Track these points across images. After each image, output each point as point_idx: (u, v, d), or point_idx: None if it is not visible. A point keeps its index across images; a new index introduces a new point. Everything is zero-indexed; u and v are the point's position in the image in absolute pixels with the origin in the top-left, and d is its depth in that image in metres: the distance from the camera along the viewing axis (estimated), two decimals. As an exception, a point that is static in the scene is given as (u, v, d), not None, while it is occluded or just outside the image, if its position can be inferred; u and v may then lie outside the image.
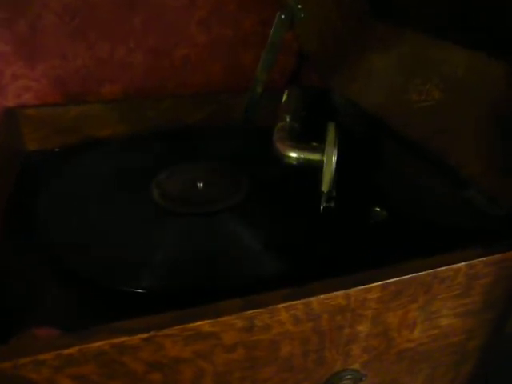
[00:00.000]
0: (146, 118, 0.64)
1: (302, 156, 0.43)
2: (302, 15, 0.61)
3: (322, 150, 0.43)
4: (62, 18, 0.59)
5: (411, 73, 0.50)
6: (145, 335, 0.26)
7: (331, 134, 0.42)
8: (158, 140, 0.61)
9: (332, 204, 0.43)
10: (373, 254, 0.40)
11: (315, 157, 0.43)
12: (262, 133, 0.57)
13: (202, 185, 0.47)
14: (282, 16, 0.60)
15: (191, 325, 0.26)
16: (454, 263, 0.32)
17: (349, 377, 0.35)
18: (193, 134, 0.61)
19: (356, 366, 0.35)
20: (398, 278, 0.31)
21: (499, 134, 0.40)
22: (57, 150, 0.60)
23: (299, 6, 0.60)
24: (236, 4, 0.65)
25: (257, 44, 0.69)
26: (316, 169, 0.44)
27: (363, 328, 0.32)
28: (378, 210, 0.46)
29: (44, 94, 0.62)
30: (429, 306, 0.34)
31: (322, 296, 0.29)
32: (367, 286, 0.30)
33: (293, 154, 0.43)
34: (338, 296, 0.29)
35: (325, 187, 0.42)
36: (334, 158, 0.41)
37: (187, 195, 0.46)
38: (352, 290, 0.30)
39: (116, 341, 0.25)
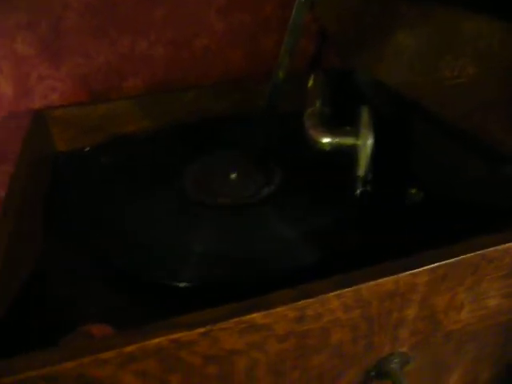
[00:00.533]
0: (170, 111, 0.64)
1: (335, 141, 0.42)
2: (323, -4, 0.60)
3: (355, 134, 0.42)
4: (84, 17, 0.59)
5: (441, 49, 0.49)
6: (202, 330, 0.26)
7: (365, 117, 0.41)
8: (184, 132, 0.61)
9: (368, 188, 0.42)
10: (412, 235, 0.40)
11: (349, 141, 0.43)
12: (287, 118, 0.56)
13: (235, 175, 0.47)
14: (303, -2, 0.59)
15: (245, 317, 0.27)
16: (502, 243, 0.32)
17: (396, 360, 0.35)
18: (218, 124, 0.61)
19: (404, 349, 0.35)
20: (446, 261, 0.30)
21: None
22: (86, 149, 0.60)
23: (319, -13, 0.59)
24: (255, -11, 0.64)
25: (277, 28, 0.68)
26: (350, 153, 0.43)
27: (411, 312, 0.32)
28: (414, 191, 0.45)
29: (69, 93, 0.63)
30: (476, 287, 0.33)
31: (371, 283, 0.29)
32: (416, 270, 0.30)
33: (326, 140, 0.43)
34: (387, 282, 0.29)
35: (361, 171, 0.42)
36: (370, 142, 0.40)
37: (221, 187, 0.46)
38: (401, 275, 0.29)
39: (174, 336, 0.26)
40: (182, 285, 0.35)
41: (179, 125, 0.63)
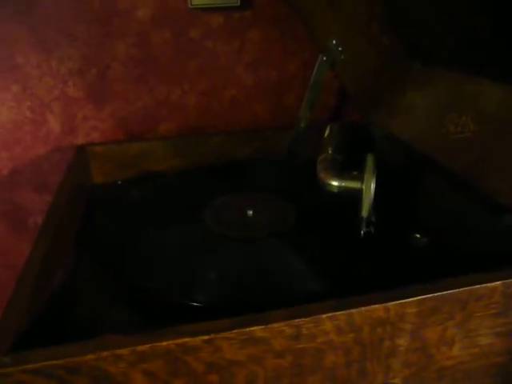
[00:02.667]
0: (198, 154, 0.70)
1: (342, 184, 0.47)
2: (342, 57, 0.66)
3: (361, 179, 0.46)
4: (127, 67, 0.66)
5: (447, 107, 0.53)
6: (205, 337, 0.29)
7: (370, 163, 0.45)
8: (210, 173, 0.66)
9: (372, 229, 0.46)
10: (412, 277, 0.42)
11: (355, 185, 0.47)
12: (305, 165, 0.61)
13: (251, 212, 0.51)
14: (324, 58, 0.65)
15: (246, 329, 0.30)
16: (489, 282, 0.34)
17: (390, 392, 0.37)
18: (242, 168, 0.66)
19: (397, 380, 0.37)
20: (433, 294, 0.33)
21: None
22: (119, 182, 0.66)
23: (340, 49, 0.65)
24: (281, 49, 0.71)
25: (299, 84, 0.74)
26: (357, 197, 0.47)
27: (403, 342, 0.35)
28: (419, 236, 0.48)
29: (109, 132, 0.69)
30: (466, 323, 0.36)
31: (363, 308, 0.32)
32: (405, 300, 0.32)
33: (334, 183, 0.47)
34: (377, 309, 0.32)
35: (364, 212, 0.45)
36: (373, 186, 0.44)
37: (238, 222, 0.50)
38: (390, 304, 0.32)
39: (180, 341, 0.29)
40: (198, 304, 0.39)
41: (205, 166, 0.68)
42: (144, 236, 0.50)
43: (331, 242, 0.46)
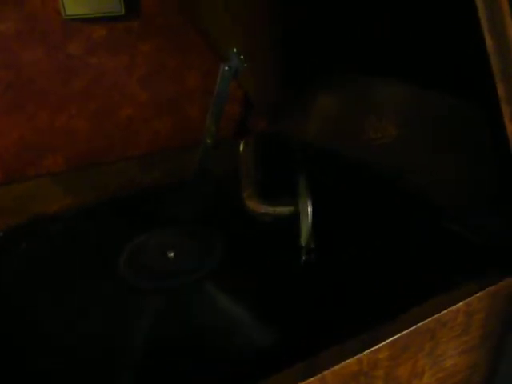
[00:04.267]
0: (95, 186, 0.61)
1: (275, 211, 0.42)
2: (245, 64, 0.61)
3: (293, 203, 0.42)
4: (-6, 93, 0.55)
5: (364, 111, 0.51)
6: None
7: (302, 185, 0.41)
8: (113, 207, 0.57)
9: (312, 256, 0.42)
10: (363, 302, 0.39)
11: (288, 210, 0.42)
12: (222, 185, 0.55)
13: (172, 254, 0.44)
14: (226, 67, 0.60)
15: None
16: (453, 304, 0.32)
17: None
18: (151, 197, 0.58)
19: (372, 427, 0.33)
20: (405, 332, 0.30)
21: (464, 163, 0.41)
22: (0, 234, 0.55)
23: (241, 57, 0.60)
24: (177, 61, 0.64)
25: (201, 97, 0.68)
26: (291, 221, 0.43)
27: (376, 389, 0.31)
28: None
29: (-20, 174, 0.57)
30: (435, 350, 0.33)
31: (336, 367, 0.27)
32: (377, 346, 0.28)
33: (266, 211, 0.42)
34: (351, 363, 0.28)
35: (303, 240, 0.41)
36: (310, 210, 0.40)
37: (160, 269, 0.43)
38: (363, 354, 0.28)
39: None
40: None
41: (107, 200, 0.59)
42: (40, 306, 0.40)
43: (270, 280, 0.41)
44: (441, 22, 0.41)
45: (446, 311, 0.31)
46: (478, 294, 0.33)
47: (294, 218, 0.42)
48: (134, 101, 0.64)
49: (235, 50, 0.58)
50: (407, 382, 0.33)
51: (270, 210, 0.41)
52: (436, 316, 0.31)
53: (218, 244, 0.45)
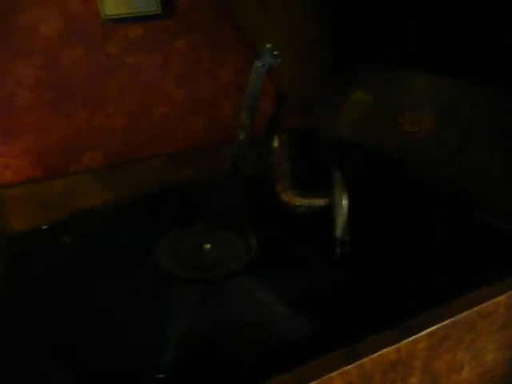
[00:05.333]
0: (132, 182, 0.62)
1: (310, 204, 0.42)
2: (279, 60, 0.62)
3: (329, 195, 0.42)
4: (37, 92, 0.57)
5: (399, 105, 0.51)
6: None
7: (338, 178, 0.41)
8: (148, 203, 0.59)
9: (347, 249, 0.42)
10: (401, 294, 0.38)
11: (323, 202, 0.42)
12: (255, 181, 0.56)
13: (209, 246, 0.45)
14: (260, 64, 0.60)
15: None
16: (494, 297, 0.31)
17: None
18: (186, 193, 0.60)
19: (409, 419, 0.33)
20: (444, 323, 0.29)
21: (499, 153, 0.41)
22: (44, 227, 0.57)
23: (275, 53, 0.61)
24: (211, 57, 0.65)
25: (234, 93, 0.69)
26: (325, 214, 0.43)
27: (414, 380, 0.31)
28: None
29: (25, 170, 0.59)
30: (474, 344, 0.32)
31: (374, 355, 0.27)
32: (416, 336, 0.28)
33: (301, 203, 0.42)
34: (389, 352, 0.28)
35: (338, 232, 0.41)
36: (346, 203, 0.40)
37: (196, 260, 0.44)
38: (402, 343, 0.28)
39: None
40: (157, 376, 0.32)
41: (142, 195, 0.61)
42: (81, 292, 0.42)
43: (306, 272, 0.41)
44: (478, 10, 0.41)
45: (486, 304, 0.31)
46: (520, 287, 0.32)
47: (329, 211, 0.42)
48: (169, 99, 0.66)
49: (268, 45, 0.59)
50: (446, 376, 0.32)
51: (305, 202, 0.42)
52: (476, 308, 0.30)
53: (254, 237, 0.46)
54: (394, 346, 0.28)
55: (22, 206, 0.56)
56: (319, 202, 0.41)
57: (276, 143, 0.55)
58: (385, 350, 0.27)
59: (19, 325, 0.39)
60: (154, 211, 0.56)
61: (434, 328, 0.29)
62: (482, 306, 0.31)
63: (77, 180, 0.60)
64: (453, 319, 0.30)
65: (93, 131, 0.63)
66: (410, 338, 0.28)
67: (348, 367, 0.26)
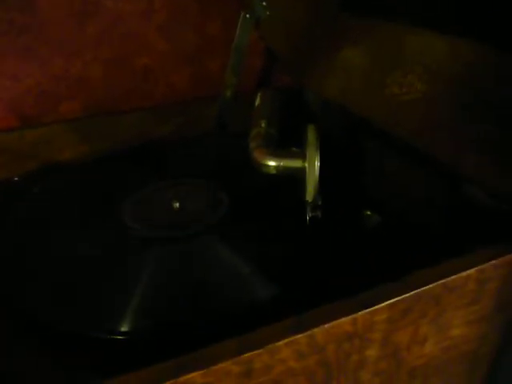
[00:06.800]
0: (109, 136, 0.60)
1: (281, 164, 0.40)
2: (268, 13, 0.58)
3: (302, 156, 0.40)
4: (8, 36, 0.54)
5: (389, 65, 0.48)
6: (127, 398, 0.22)
7: (311, 136, 0.38)
8: (125, 159, 0.57)
9: (319, 213, 0.40)
10: (369, 264, 0.37)
11: (296, 164, 0.40)
12: (235, 140, 0.53)
13: (178, 205, 0.43)
14: (247, 15, 0.57)
15: (181, 378, 0.23)
16: (464, 270, 0.29)
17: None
18: (162, 150, 0.57)
19: (366, 391, 0.32)
20: (406, 295, 0.28)
21: (492, 123, 0.38)
22: (16, 178, 0.55)
23: (264, 4, 0.57)
24: (198, 7, 0.61)
25: (221, 48, 0.65)
26: (298, 176, 0.41)
27: (372, 352, 0.29)
28: (370, 214, 0.43)
29: (-4, 118, 0.57)
30: (440, 318, 0.31)
31: (326, 326, 0.25)
32: (374, 307, 0.27)
33: (272, 163, 0.40)
34: (344, 323, 0.26)
35: (309, 196, 0.39)
36: (317, 164, 0.38)
37: (163, 218, 0.42)
38: (359, 314, 0.26)
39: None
40: (111, 337, 0.30)
41: (119, 150, 0.58)
42: (47, 247, 0.40)
43: (275, 234, 0.39)
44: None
45: (454, 277, 0.29)
46: (493, 262, 0.30)
47: (302, 173, 0.39)
48: (152, 49, 0.62)
49: (257, -5, 0.55)
50: (407, 349, 0.31)
51: (277, 162, 0.39)
52: (443, 281, 0.29)
53: (225, 198, 0.44)
54: (349, 317, 0.26)
55: (-8, 155, 0.54)
56: (293, 164, 0.39)
57: (258, 101, 0.52)
58: (339, 321, 0.26)
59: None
60: (129, 167, 0.54)
61: (394, 300, 0.27)
62: (449, 279, 0.29)
63: (52, 130, 0.58)
64: (416, 291, 0.28)
65: (70, 80, 0.60)
66: (368, 310, 0.26)
67: (297, 336, 0.25)
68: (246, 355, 0.24)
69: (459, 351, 0.35)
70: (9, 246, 0.40)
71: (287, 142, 0.44)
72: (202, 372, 0.23)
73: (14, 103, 0.58)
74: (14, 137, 0.56)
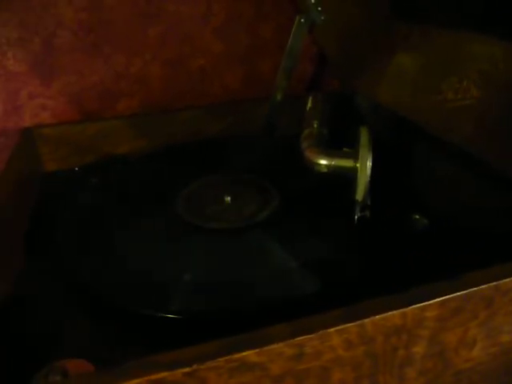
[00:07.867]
0: (164, 132, 0.63)
1: (333, 163, 0.40)
2: (322, 18, 0.59)
3: (354, 156, 0.40)
4: (77, 35, 0.57)
5: (444, 70, 0.48)
6: (187, 369, 0.23)
7: (364, 138, 0.39)
8: (179, 154, 0.59)
9: (367, 213, 0.40)
10: (417, 264, 0.37)
11: (348, 163, 0.41)
12: (285, 141, 0.55)
13: (229, 199, 0.45)
14: (302, 20, 0.58)
15: (236, 355, 0.24)
16: (517, 274, 0.29)
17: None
18: (214, 146, 0.59)
19: (411, 390, 0.32)
20: (457, 293, 0.28)
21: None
22: (76, 169, 0.58)
23: (319, 9, 0.58)
24: (253, 10, 0.63)
25: (274, 51, 0.67)
26: (348, 176, 0.41)
27: (419, 349, 0.29)
28: (418, 217, 0.43)
29: (61, 112, 0.61)
30: (490, 321, 0.31)
31: (377, 317, 0.26)
32: (425, 303, 0.27)
33: (323, 162, 0.41)
34: (394, 316, 0.27)
35: (359, 196, 0.39)
36: (369, 164, 0.38)
37: (215, 210, 0.44)
38: (409, 309, 0.27)
39: (155, 377, 0.23)
40: (170, 316, 0.32)
41: (174, 146, 0.61)
42: (106, 234, 0.43)
43: (322, 232, 0.40)
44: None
45: (507, 280, 0.29)
46: (548, 267, 0.30)
47: (353, 173, 0.40)
48: (207, 51, 0.65)
49: (313, 0, 0.56)
50: (454, 350, 0.31)
51: (328, 161, 0.40)
52: (495, 283, 0.29)
53: (275, 194, 0.45)
54: (399, 310, 0.27)
55: (56, 146, 0.58)
56: (344, 163, 0.39)
57: (309, 104, 0.53)
58: (388, 314, 0.26)
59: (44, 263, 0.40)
60: (184, 162, 0.56)
61: (445, 297, 0.27)
62: (503, 281, 0.29)
63: (111, 125, 0.61)
64: (468, 291, 0.28)
65: (130, 78, 0.63)
66: (418, 305, 0.27)
67: (348, 325, 0.26)
68: (299, 339, 0.25)
69: (507, 358, 0.35)
70: (72, 227, 0.43)
71: (337, 144, 0.44)
72: (255, 351, 0.24)
73: (78, 98, 0.61)
74: (76, 130, 0.59)
